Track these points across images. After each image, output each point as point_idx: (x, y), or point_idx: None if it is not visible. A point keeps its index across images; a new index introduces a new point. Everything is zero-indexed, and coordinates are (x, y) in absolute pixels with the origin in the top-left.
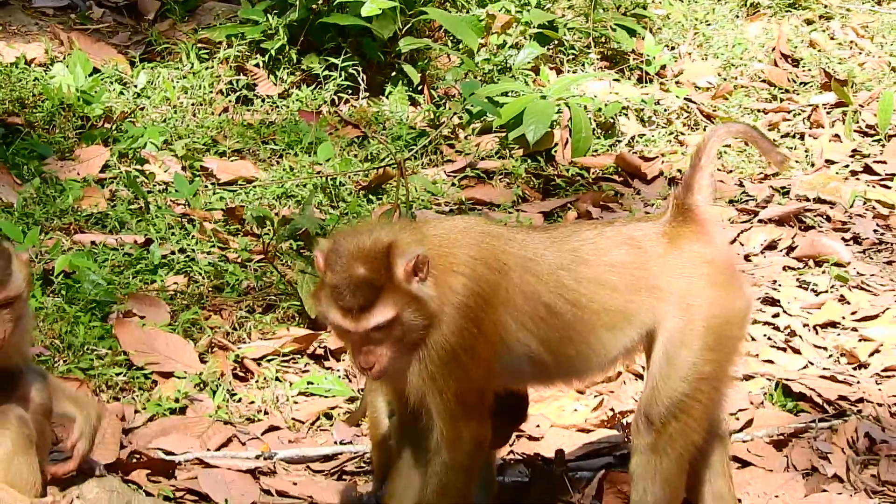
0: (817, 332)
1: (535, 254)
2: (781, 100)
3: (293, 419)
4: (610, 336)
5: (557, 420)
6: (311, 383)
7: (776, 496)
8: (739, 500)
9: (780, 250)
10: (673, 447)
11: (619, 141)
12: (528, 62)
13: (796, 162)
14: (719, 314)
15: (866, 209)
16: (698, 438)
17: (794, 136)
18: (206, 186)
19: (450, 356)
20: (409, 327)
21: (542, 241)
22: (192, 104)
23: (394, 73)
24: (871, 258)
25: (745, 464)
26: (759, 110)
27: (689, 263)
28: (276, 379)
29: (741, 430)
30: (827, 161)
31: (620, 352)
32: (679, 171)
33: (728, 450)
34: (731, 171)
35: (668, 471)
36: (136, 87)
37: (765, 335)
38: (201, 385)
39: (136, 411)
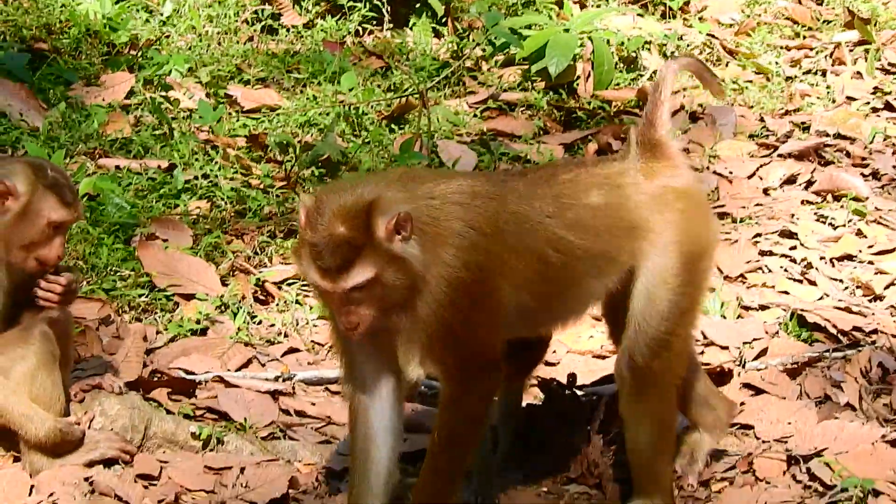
0: (833, 265)
1: (525, 207)
2: (804, 37)
3: (312, 342)
4: (596, 281)
5: (573, 346)
6: None
7: (789, 423)
8: (752, 427)
9: (799, 185)
10: (659, 385)
11: (641, 75)
12: None
13: (818, 98)
14: (696, 249)
15: (886, 145)
16: (681, 371)
17: (815, 73)
18: (229, 114)
19: (445, 329)
20: (392, 288)
21: (528, 191)
22: (218, 32)
23: (418, 5)
24: (890, 193)
25: (758, 391)
26: (781, 47)
27: (665, 200)
28: (297, 302)
29: (756, 358)
30: (848, 98)
31: (602, 293)
32: (700, 105)
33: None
34: (752, 107)
35: (657, 409)
36: (162, 14)
37: (781, 267)
38: (222, 307)
39: (158, 332)
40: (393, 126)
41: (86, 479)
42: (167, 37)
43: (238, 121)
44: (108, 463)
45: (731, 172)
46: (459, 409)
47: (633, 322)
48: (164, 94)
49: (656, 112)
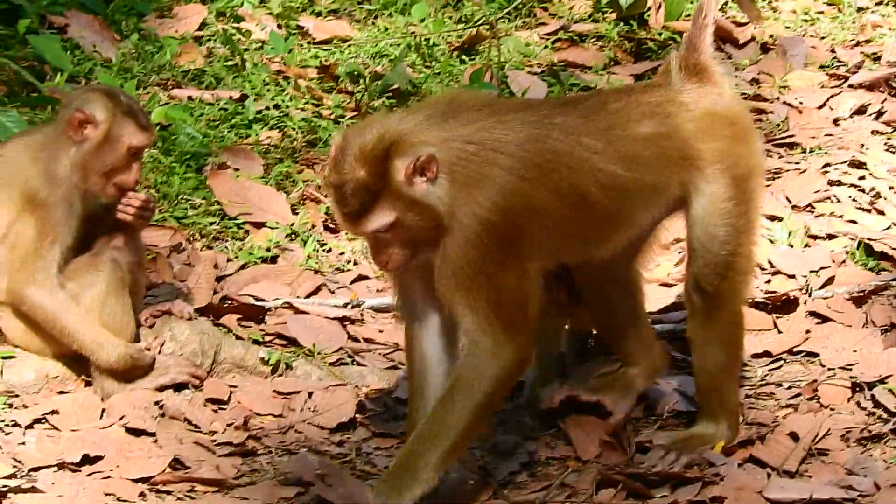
0: None
1: (573, 144)
2: None
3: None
4: (643, 212)
5: (655, 275)
6: None
7: (854, 351)
8: (817, 354)
9: (870, 115)
10: (727, 306)
11: None
12: None
13: (889, 29)
14: (746, 172)
15: None
16: (748, 291)
17: (887, 4)
18: (300, 45)
19: (472, 268)
20: (417, 229)
21: (577, 125)
22: None
23: None
24: None
25: (824, 319)
26: None
27: (713, 125)
28: None
29: (822, 287)
30: None
31: (650, 223)
32: (771, 36)
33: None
34: (823, 38)
35: (725, 331)
36: None
37: (850, 197)
38: (292, 235)
39: (229, 260)
40: (464, 57)
41: (156, 403)
42: None
43: (309, 52)
44: (178, 387)
45: (800, 103)
46: (486, 363)
47: (695, 250)
48: (235, 25)
49: (700, 36)
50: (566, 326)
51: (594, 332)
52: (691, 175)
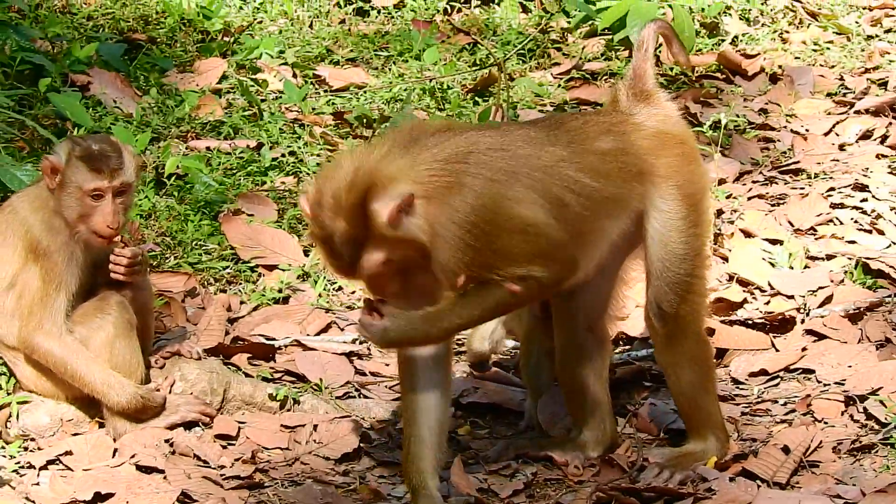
0: None
1: (538, 151)
2: None
3: None
4: (610, 223)
5: (642, 301)
6: None
7: (849, 366)
8: (813, 371)
9: (875, 139)
10: (689, 327)
11: (723, 40)
12: None
13: None
14: (696, 191)
15: None
16: (705, 312)
17: (890, 31)
18: (317, 93)
19: (476, 256)
20: (405, 259)
21: (539, 137)
22: (309, 16)
23: None
24: None
25: (820, 337)
26: (863, 7)
27: (665, 143)
28: None
29: (820, 306)
30: None
31: (615, 240)
32: (780, 66)
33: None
34: (832, 67)
35: (691, 350)
36: (254, 1)
37: (851, 218)
38: (304, 276)
39: (242, 302)
40: (477, 99)
41: (166, 441)
42: (259, 22)
43: (327, 102)
44: (189, 425)
45: (807, 130)
46: (514, 284)
47: (654, 269)
48: (253, 77)
49: (644, 66)
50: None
51: None
52: (647, 190)
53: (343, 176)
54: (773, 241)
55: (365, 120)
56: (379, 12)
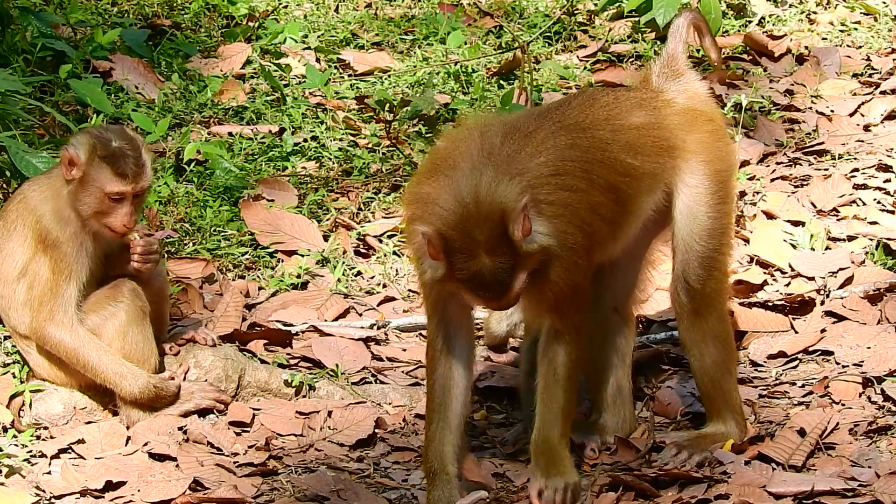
0: None
1: (589, 139)
2: None
3: (409, 290)
4: (647, 199)
5: (662, 283)
6: None
7: (868, 347)
8: (831, 353)
9: None
10: (714, 304)
11: (750, 21)
12: None
13: None
14: (724, 167)
15: None
16: (729, 289)
17: None
18: (342, 77)
19: (571, 286)
20: (534, 273)
21: (584, 122)
22: (335, 0)
23: None
24: None
25: (840, 318)
26: None
27: (695, 120)
28: (395, 253)
29: (840, 287)
30: None
31: (647, 216)
32: (806, 47)
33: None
34: (860, 47)
35: (716, 328)
36: None
37: (874, 199)
38: (323, 262)
39: (260, 288)
40: (502, 82)
41: (179, 428)
42: (285, 7)
43: (351, 86)
44: (203, 412)
45: (832, 111)
46: (571, 347)
47: (682, 243)
48: (277, 61)
49: (677, 48)
50: None
51: None
52: (678, 164)
53: (470, 211)
54: (795, 223)
55: (387, 105)
56: None
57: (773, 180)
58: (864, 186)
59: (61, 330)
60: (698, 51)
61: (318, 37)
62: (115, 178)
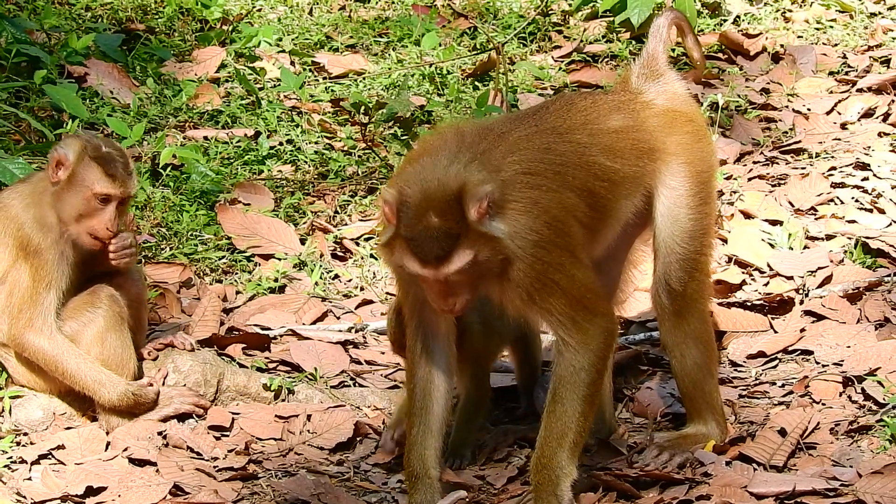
0: None
1: (566, 143)
2: None
3: (386, 293)
4: (627, 202)
5: (641, 284)
6: None
7: (848, 346)
8: (811, 352)
9: (877, 117)
10: (695, 305)
11: (725, 20)
12: None
13: None
14: (705, 168)
15: None
16: (711, 291)
17: (893, 8)
18: (317, 80)
19: (541, 282)
20: (486, 264)
21: (563, 125)
22: (309, 3)
23: None
24: None
25: (819, 318)
26: None
27: (674, 121)
28: (372, 256)
29: (819, 286)
30: None
31: (628, 219)
32: (782, 45)
33: None
34: (836, 45)
35: (697, 329)
36: None
37: (852, 198)
38: (300, 265)
39: (238, 292)
40: (477, 83)
41: (159, 433)
42: (258, 10)
43: (326, 89)
44: (183, 417)
45: (808, 109)
46: (581, 355)
47: (663, 245)
48: (251, 65)
49: (658, 48)
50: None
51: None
52: (658, 167)
53: (429, 181)
54: (773, 222)
55: (362, 107)
56: None
57: (750, 179)
58: (842, 185)
59: (40, 337)
60: (673, 50)
61: (293, 40)
62: (104, 179)
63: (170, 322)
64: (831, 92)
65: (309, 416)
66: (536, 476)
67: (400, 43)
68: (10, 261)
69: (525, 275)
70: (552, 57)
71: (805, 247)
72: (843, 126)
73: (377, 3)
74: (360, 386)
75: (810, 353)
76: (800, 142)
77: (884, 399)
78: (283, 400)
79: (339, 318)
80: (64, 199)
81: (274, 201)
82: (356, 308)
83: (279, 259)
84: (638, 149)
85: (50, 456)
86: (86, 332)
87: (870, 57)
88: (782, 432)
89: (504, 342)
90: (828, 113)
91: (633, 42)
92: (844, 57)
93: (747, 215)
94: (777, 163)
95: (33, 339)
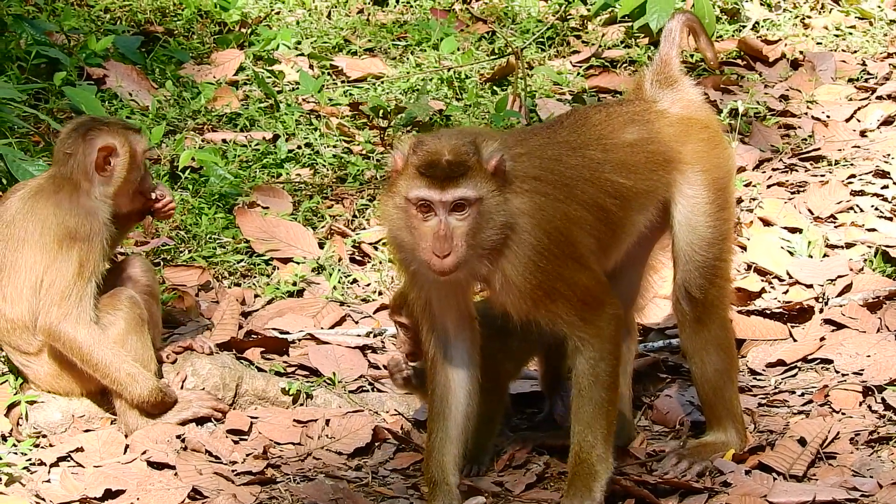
0: None
1: (579, 158)
2: None
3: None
4: (640, 216)
5: (660, 291)
6: None
7: (868, 356)
8: (831, 361)
9: None
10: (716, 312)
11: (744, 26)
12: None
13: None
14: (722, 175)
15: None
16: (732, 297)
17: None
18: (335, 84)
19: (538, 285)
20: (489, 220)
21: (576, 141)
22: (327, 6)
23: None
24: None
25: (839, 326)
26: None
27: (689, 129)
28: (390, 261)
29: (839, 295)
30: None
31: (644, 231)
32: (801, 52)
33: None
34: (855, 52)
35: (718, 336)
36: None
37: (872, 206)
38: (318, 269)
39: (256, 295)
40: (495, 88)
41: (178, 437)
42: (277, 13)
43: (345, 92)
44: (201, 421)
45: (828, 116)
46: (597, 346)
47: (682, 253)
48: (270, 68)
49: (670, 53)
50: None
51: None
52: (674, 178)
53: (448, 134)
54: (792, 230)
55: (381, 111)
56: (398, 1)
57: (769, 186)
58: (862, 193)
59: (78, 327)
60: (692, 55)
61: (311, 43)
62: (140, 136)
63: (188, 325)
64: (850, 99)
65: (328, 421)
66: (574, 468)
67: (418, 47)
68: (51, 256)
69: (525, 280)
70: (570, 62)
71: (825, 255)
72: (863, 133)
73: (395, 6)
74: (379, 391)
75: (830, 361)
76: (819, 149)
77: None
78: (302, 404)
79: (357, 322)
80: (127, 179)
81: (292, 205)
82: (374, 312)
83: (297, 263)
84: (653, 161)
85: (69, 458)
86: (107, 333)
87: (889, 64)
88: (802, 442)
89: (524, 363)
90: (847, 120)
91: (652, 47)
92: (864, 64)
93: (766, 223)
94: (796, 170)
95: (69, 329)
